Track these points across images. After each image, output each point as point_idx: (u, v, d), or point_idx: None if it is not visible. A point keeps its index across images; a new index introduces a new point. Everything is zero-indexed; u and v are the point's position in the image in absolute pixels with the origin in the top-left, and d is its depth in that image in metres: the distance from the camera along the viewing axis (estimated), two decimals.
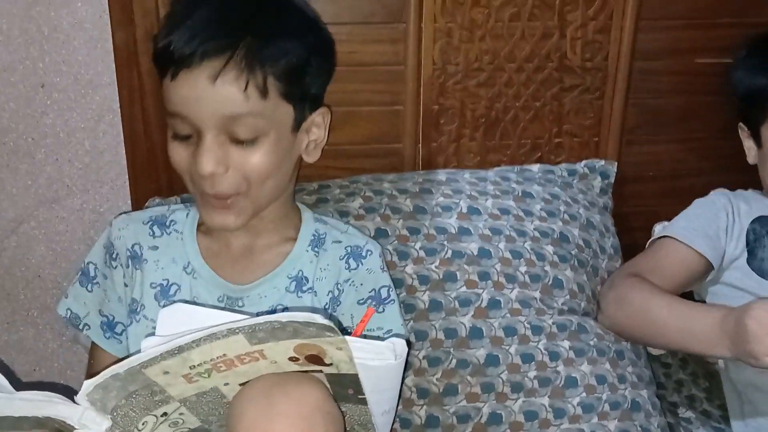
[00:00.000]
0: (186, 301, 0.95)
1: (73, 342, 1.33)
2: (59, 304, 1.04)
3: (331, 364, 0.75)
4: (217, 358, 0.73)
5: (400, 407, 1.06)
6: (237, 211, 0.94)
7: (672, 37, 1.32)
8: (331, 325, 0.70)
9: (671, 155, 1.41)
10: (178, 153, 0.93)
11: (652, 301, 1.12)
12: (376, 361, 0.74)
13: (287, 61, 0.90)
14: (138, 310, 0.99)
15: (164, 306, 0.90)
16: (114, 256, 1.00)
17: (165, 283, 0.98)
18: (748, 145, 1.24)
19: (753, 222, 1.20)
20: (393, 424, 0.91)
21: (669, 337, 1.09)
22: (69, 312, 1.02)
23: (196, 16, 0.88)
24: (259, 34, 0.89)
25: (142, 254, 0.99)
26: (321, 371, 0.77)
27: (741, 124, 1.25)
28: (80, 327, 1.02)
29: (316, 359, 0.74)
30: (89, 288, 1.02)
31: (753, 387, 1.16)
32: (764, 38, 1.26)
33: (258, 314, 0.72)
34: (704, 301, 1.26)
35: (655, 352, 1.47)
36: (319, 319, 0.69)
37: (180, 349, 0.71)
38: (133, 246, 1.00)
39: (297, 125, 0.95)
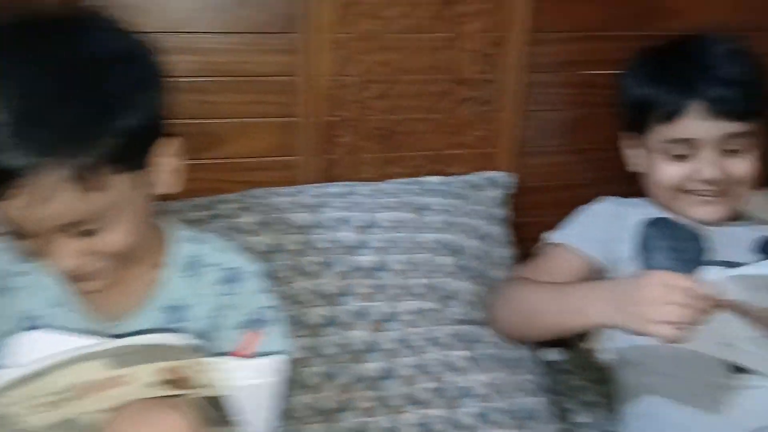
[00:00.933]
0: (41, 328, 0.89)
1: None
2: None
3: (199, 387, 0.73)
4: (73, 386, 0.69)
5: (296, 424, 1.04)
6: (103, 277, 0.85)
7: (565, 50, 1.35)
8: (188, 345, 0.67)
9: (566, 166, 1.44)
10: (25, 247, 0.82)
11: (533, 291, 1.14)
12: (252, 380, 0.72)
13: (116, 141, 0.77)
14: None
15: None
16: None
17: (32, 313, 0.90)
18: (630, 153, 1.27)
19: (645, 224, 1.23)
20: None
21: (550, 319, 1.11)
22: None
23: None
24: (79, 126, 0.75)
25: (8, 282, 0.91)
26: (190, 394, 0.75)
27: (625, 132, 1.28)
28: None
29: (181, 382, 0.72)
30: None
31: (646, 389, 1.18)
32: (654, 49, 1.28)
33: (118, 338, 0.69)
34: None
35: (551, 357, 1.50)
36: (173, 340, 0.66)
37: (27, 379, 0.67)
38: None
39: (146, 180, 0.85)
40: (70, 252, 0.80)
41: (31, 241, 0.81)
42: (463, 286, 1.19)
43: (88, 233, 0.80)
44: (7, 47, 0.76)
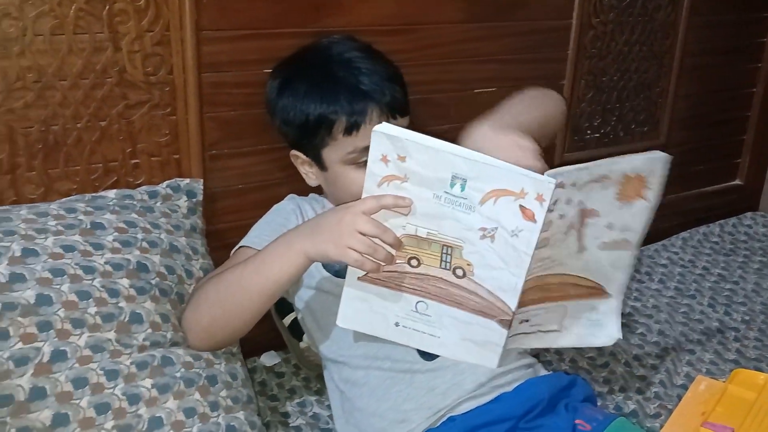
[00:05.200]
0: None
1: None
2: None
3: None
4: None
5: None
6: None
7: (237, 48, 1.30)
8: None
9: (255, 167, 1.39)
10: None
11: (223, 270, 1.11)
12: None
13: None
14: None
15: None
16: None
17: None
18: (305, 170, 1.23)
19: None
20: None
21: (253, 282, 1.05)
22: None
23: None
24: None
25: None
26: None
27: (294, 152, 1.22)
28: None
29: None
30: None
31: (350, 383, 1.18)
32: (292, 67, 1.22)
33: None
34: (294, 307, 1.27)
35: (268, 362, 1.46)
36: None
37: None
38: None
39: None
40: None
41: None
42: (146, 307, 1.09)
43: None
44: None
